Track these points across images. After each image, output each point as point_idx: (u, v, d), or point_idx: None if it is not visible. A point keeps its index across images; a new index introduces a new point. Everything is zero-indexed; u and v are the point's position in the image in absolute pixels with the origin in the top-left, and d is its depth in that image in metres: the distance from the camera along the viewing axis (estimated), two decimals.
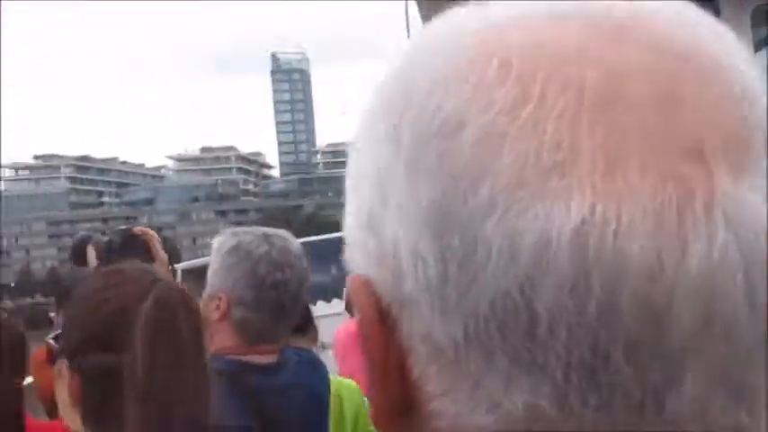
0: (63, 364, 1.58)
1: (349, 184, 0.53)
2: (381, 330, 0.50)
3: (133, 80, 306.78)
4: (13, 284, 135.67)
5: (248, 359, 2.41)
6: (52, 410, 3.73)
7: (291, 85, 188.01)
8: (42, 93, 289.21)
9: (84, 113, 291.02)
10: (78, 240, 3.24)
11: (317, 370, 2.67)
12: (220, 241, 2.53)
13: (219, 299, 2.44)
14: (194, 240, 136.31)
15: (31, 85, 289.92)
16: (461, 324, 0.45)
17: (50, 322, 4.48)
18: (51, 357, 1.44)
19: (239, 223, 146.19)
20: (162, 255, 3.09)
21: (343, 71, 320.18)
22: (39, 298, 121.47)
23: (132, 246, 3.04)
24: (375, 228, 0.50)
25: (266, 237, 2.50)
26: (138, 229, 3.20)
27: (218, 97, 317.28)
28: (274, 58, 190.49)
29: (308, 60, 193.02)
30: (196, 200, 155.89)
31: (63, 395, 1.60)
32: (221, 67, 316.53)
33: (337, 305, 8.27)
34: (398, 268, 0.48)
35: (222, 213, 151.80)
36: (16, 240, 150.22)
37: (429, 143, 0.46)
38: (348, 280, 0.52)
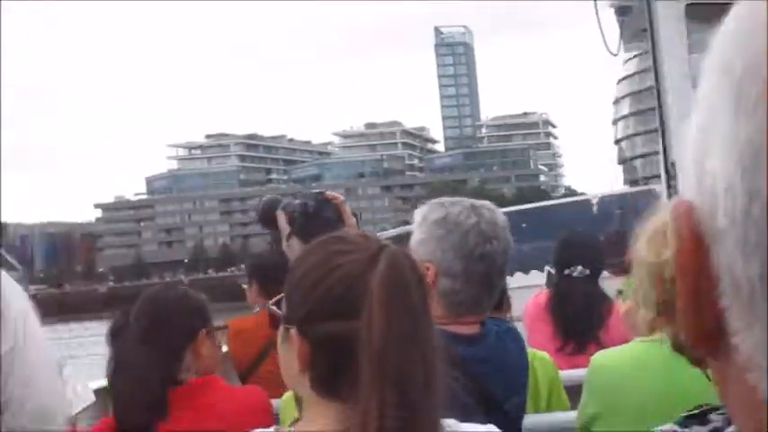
0: (292, 332, 1.61)
1: (694, 112, 0.53)
2: (696, 256, 0.51)
3: (298, 58, 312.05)
4: (186, 260, 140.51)
5: (454, 329, 2.39)
6: (245, 377, 4.28)
7: (455, 59, 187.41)
8: (212, 73, 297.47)
9: (252, 92, 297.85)
10: (266, 204, 3.12)
11: (515, 341, 2.65)
12: (425, 212, 2.53)
13: (427, 268, 2.40)
14: (360, 215, 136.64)
15: (202, 67, 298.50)
16: (758, 266, 0.46)
17: (243, 294, 4.63)
18: (274, 323, 1.63)
19: (404, 199, 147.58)
20: (352, 220, 3.01)
21: (507, 43, 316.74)
22: (211, 273, 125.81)
23: (326, 210, 2.98)
24: (699, 157, 0.51)
25: (474, 208, 2.50)
26: (328, 193, 3.10)
27: (382, 73, 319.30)
28: (438, 32, 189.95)
29: (471, 33, 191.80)
30: (362, 176, 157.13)
31: (290, 361, 1.62)
32: (384, 42, 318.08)
33: (519, 278, 8.13)
34: (714, 200, 0.49)
35: (387, 189, 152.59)
36: (189, 217, 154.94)
37: (755, 78, 0.46)
38: (674, 203, 0.54)
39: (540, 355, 3.31)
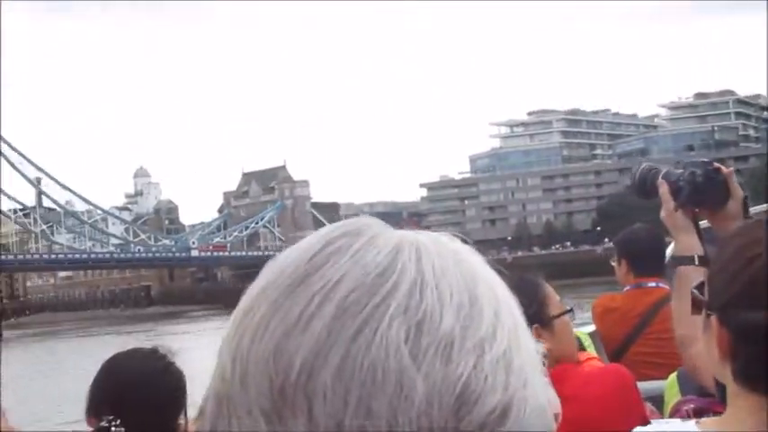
0: (712, 319, 1.56)
1: None
2: None
3: (621, 27, 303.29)
4: (509, 238, 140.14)
5: None
6: (615, 359, 4.09)
7: None
8: (535, 48, 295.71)
9: (574, 65, 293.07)
10: (644, 172, 3.01)
11: None
12: None
13: None
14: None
15: (527, 43, 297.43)
16: None
17: (612, 271, 4.57)
18: (696, 307, 1.60)
19: (738, 171, 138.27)
20: (739, 193, 2.84)
21: None
22: (536, 250, 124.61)
23: (714, 181, 2.84)
24: None
25: None
26: (717, 164, 2.95)
27: (712, 38, 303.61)
28: None
29: None
30: (691, 148, 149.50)
31: (711, 349, 1.57)
32: (706, 6, 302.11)
33: None
34: None
35: (720, 161, 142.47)
36: (512, 195, 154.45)
37: None
38: None
39: None
